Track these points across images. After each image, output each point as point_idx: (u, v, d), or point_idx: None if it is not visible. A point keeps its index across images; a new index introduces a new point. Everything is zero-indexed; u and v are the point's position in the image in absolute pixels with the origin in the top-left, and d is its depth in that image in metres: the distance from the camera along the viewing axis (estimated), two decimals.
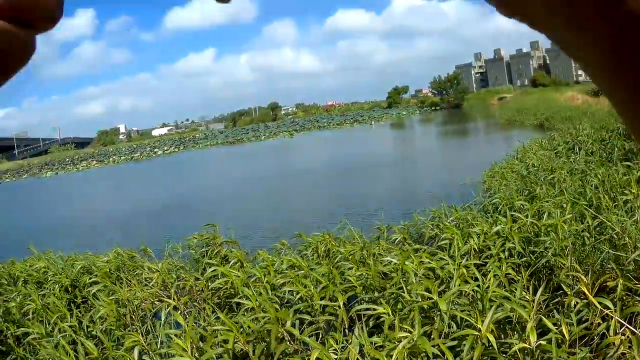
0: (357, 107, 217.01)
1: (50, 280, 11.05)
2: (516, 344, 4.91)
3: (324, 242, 10.07)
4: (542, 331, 5.11)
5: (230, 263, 9.52)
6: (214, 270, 8.92)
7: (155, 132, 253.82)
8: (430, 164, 38.06)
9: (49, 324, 8.35)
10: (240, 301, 6.94)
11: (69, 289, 10.78)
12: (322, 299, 6.66)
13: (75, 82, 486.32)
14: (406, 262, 6.67)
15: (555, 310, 5.98)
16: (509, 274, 6.86)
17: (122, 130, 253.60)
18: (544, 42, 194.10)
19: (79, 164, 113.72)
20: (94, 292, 10.01)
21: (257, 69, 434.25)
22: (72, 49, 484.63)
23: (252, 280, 8.15)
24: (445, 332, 5.38)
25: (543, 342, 4.86)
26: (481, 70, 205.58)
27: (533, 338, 4.85)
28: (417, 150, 54.20)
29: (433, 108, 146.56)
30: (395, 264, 7.01)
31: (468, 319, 5.24)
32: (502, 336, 5.42)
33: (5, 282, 11.71)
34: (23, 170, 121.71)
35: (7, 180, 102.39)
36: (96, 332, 7.96)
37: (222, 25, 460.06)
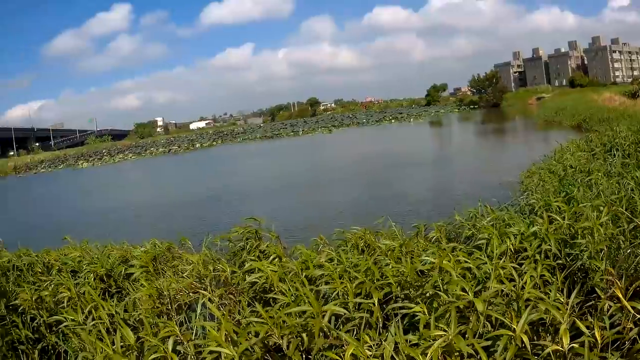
0: (395, 104, 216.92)
1: (85, 269, 11.08)
2: (549, 346, 4.93)
3: (363, 238, 10.06)
4: (575, 334, 5.11)
5: (270, 259, 9.46)
6: (250, 264, 8.92)
7: (193, 126, 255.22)
8: (468, 163, 37.94)
9: (82, 312, 8.30)
10: (276, 296, 7.03)
11: (104, 279, 10.82)
12: (358, 295, 6.71)
13: (111, 75, 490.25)
14: (444, 262, 6.70)
15: (588, 314, 5.98)
16: (544, 275, 6.88)
17: (160, 123, 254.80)
18: (582, 42, 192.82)
19: (116, 155, 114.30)
20: (130, 282, 10.15)
21: (295, 65, 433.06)
22: (108, 42, 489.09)
23: (289, 275, 8.12)
24: (479, 332, 5.41)
25: (575, 345, 4.88)
26: (519, 70, 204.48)
27: (566, 340, 4.88)
28: (455, 149, 54.04)
29: (471, 106, 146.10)
30: (432, 262, 7.04)
31: (503, 319, 5.26)
32: (536, 338, 5.43)
33: (39, 271, 11.75)
34: (59, 160, 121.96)
35: (43, 170, 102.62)
36: (131, 320, 8.07)
37: (259, 21, 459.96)
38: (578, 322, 5.13)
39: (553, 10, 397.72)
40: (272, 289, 7.87)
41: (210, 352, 5.62)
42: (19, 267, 11.95)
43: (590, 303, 6.17)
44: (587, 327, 5.06)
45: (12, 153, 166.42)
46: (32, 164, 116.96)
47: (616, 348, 5.24)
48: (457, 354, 4.88)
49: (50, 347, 8.62)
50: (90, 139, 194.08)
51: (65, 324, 7.94)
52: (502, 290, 6.11)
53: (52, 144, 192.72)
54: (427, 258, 7.36)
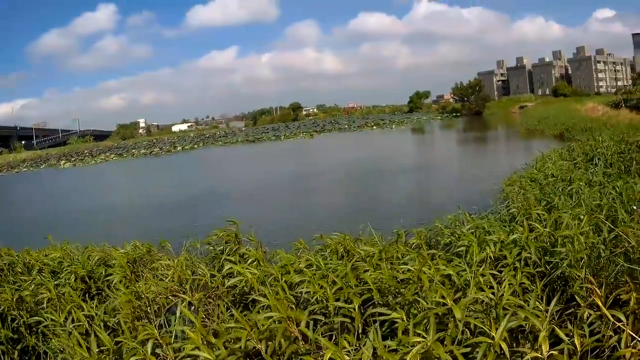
0: (378, 111, 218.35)
1: (66, 270, 10.99)
2: (528, 353, 4.94)
3: (342, 244, 10.04)
4: (555, 341, 5.13)
5: (248, 262, 9.52)
6: (230, 267, 8.97)
7: (175, 128, 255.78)
8: (449, 171, 38.17)
9: (62, 313, 8.30)
10: (257, 298, 6.98)
11: (85, 280, 10.73)
12: (337, 300, 6.71)
13: (97, 75, 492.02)
14: (423, 269, 6.69)
15: (568, 322, 6.00)
16: (524, 283, 6.89)
17: (142, 124, 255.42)
18: (566, 52, 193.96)
19: (97, 156, 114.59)
20: (110, 284, 10.10)
21: (279, 69, 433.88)
22: (94, 42, 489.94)
23: (269, 279, 8.17)
24: (458, 339, 5.42)
25: (555, 353, 4.89)
26: (503, 78, 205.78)
27: (545, 348, 4.88)
28: (437, 156, 54.37)
29: (454, 114, 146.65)
30: (411, 270, 7.03)
31: (482, 326, 5.27)
32: (515, 345, 5.45)
33: (20, 271, 11.70)
34: (41, 160, 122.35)
35: (25, 170, 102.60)
36: (111, 323, 8.04)
37: (244, 24, 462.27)
38: (557, 329, 5.13)
39: (537, 20, 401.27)
40: (252, 292, 7.87)
41: (189, 356, 5.60)
42: None
43: (570, 311, 6.19)
44: (567, 335, 5.07)
45: None
46: (14, 163, 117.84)
47: (596, 355, 5.26)
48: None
49: (30, 347, 8.55)
50: (73, 139, 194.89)
51: (44, 324, 7.95)
52: (482, 299, 6.12)
53: (35, 143, 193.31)
54: (406, 266, 7.36)
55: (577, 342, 4.98)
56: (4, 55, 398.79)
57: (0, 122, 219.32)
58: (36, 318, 8.26)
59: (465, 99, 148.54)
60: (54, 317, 8.00)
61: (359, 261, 8.47)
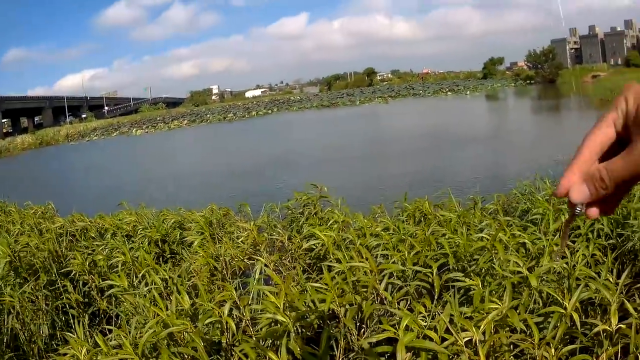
0: (452, 76, 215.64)
1: (140, 233, 11.14)
2: (599, 325, 5.01)
3: (420, 209, 10.08)
4: (622, 315, 5.17)
5: (328, 224, 9.50)
6: (308, 230, 9.03)
7: (248, 94, 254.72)
8: (524, 139, 37.75)
9: (136, 277, 8.49)
10: (331, 264, 6.96)
11: (159, 244, 10.89)
12: (414, 264, 6.78)
13: (166, 44, 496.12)
14: (499, 235, 6.74)
15: (637, 296, 6.03)
16: (595, 254, 6.89)
17: (215, 91, 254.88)
18: (639, 20, 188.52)
19: (170, 122, 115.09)
20: (184, 247, 10.25)
21: (351, 34, 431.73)
22: (162, 12, 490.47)
23: (345, 242, 8.21)
24: (531, 308, 5.51)
25: (623, 326, 4.93)
26: (576, 46, 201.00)
27: (615, 321, 4.94)
28: (512, 124, 53.73)
29: (527, 82, 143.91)
30: (488, 236, 7.07)
31: (555, 295, 5.35)
32: (584, 316, 5.51)
33: (93, 236, 11.81)
34: (112, 128, 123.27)
35: (96, 138, 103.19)
36: (186, 286, 8.11)
37: None
38: (627, 303, 5.16)
39: None
40: (328, 256, 7.93)
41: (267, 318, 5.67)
42: (71, 232, 12.10)
43: (639, 285, 6.22)
44: (636, 310, 5.10)
45: (65, 121, 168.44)
46: (85, 132, 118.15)
47: None
48: (508, 328, 4.98)
49: (101, 311, 8.80)
50: (144, 107, 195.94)
51: (117, 288, 7.90)
52: (555, 269, 6.16)
53: (106, 112, 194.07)
54: (482, 234, 7.38)
55: None
56: (71, 28, 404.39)
57: (70, 92, 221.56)
58: (108, 282, 8.13)
59: (539, 66, 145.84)
60: (127, 281, 7.94)
61: (436, 226, 8.43)
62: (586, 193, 1.40)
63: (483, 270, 6.40)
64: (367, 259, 6.52)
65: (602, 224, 7.81)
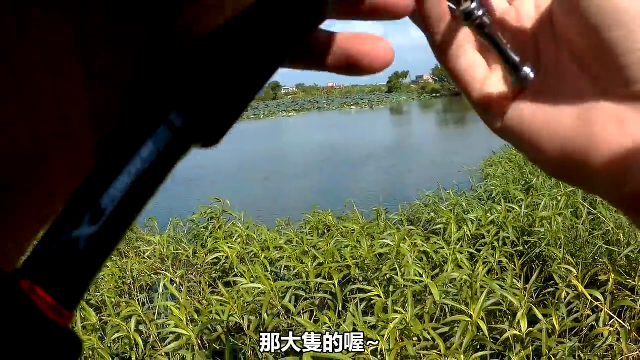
0: (357, 90, 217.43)
1: None
2: (508, 330, 5.00)
3: (323, 221, 10.09)
4: (533, 321, 5.16)
5: (233, 238, 9.44)
6: (212, 244, 8.98)
7: None
8: (428, 151, 38.13)
9: None
10: (236, 279, 6.93)
11: None
12: (318, 276, 6.77)
13: None
14: (401, 244, 6.72)
15: (546, 301, 6.07)
16: (502, 261, 6.93)
17: None
18: None
19: None
20: None
21: None
22: None
23: (249, 255, 8.22)
24: (437, 317, 5.47)
25: (535, 330, 4.93)
26: None
27: (524, 325, 4.95)
28: (416, 136, 54.31)
29: (433, 95, 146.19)
30: (390, 245, 7.06)
31: (457, 306, 5.32)
32: (494, 323, 5.52)
33: None
34: None
35: None
36: (94, 300, 8.01)
37: None
38: (534, 308, 5.18)
39: None
40: (233, 270, 7.86)
41: (172, 332, 5.62)
42: None
43: (548, 290, 6.27)
44: (544, 315, 5.12)
45: None
46: None
47: (574, 334, 5.33)
48: (415, 337, 4.94)
49: None
50: None
51: None
52: (459, 276, 6.16)
53: None
54: (384, 240, 7.39)
55: (555, 321, 5.04)
56: None
57: None
58: None
59: (445, 79, 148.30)
60: None
61: (339, 237, 8.45)
62: None
63: (385, 279, 6.36)
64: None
65: (508, 233, 7.88)
